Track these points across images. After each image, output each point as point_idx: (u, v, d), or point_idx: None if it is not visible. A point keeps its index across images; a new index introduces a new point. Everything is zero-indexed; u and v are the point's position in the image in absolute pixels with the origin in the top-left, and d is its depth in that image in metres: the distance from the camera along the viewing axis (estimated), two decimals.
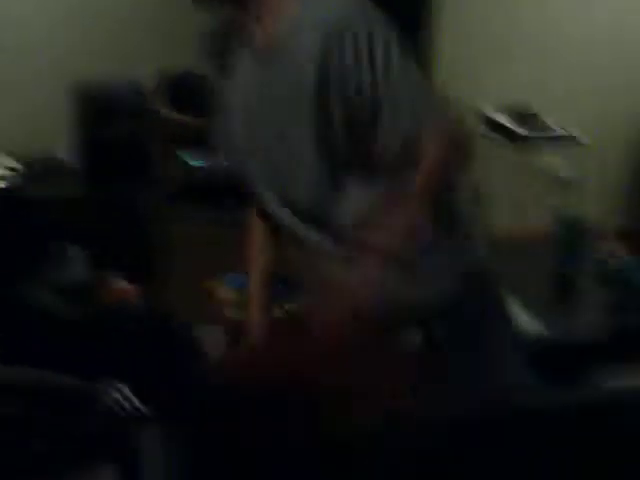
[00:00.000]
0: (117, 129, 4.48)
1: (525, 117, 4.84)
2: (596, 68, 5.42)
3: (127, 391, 2.60)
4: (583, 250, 3.43)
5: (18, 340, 2.83)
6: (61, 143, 4.60)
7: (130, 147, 4.44)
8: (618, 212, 5.63)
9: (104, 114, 4.47)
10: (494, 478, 1.73)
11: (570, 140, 4.81)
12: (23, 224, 3.64)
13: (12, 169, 4.45)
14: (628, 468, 1.73)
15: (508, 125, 4.78)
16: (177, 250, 4.04)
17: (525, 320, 3.08)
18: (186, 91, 4.47)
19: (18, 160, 4.47)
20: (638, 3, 5.45)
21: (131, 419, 2.53)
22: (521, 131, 4.71)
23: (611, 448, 1.72)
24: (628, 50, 5.59)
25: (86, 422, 2.48)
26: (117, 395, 2.57)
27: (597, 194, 5.38)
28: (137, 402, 2.59)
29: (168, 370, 2.84)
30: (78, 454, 2.45)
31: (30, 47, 4.61)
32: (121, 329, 3.02)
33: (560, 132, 4.81)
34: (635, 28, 5.60)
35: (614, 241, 4.28)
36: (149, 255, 4.02)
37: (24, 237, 3.48)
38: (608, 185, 5.60)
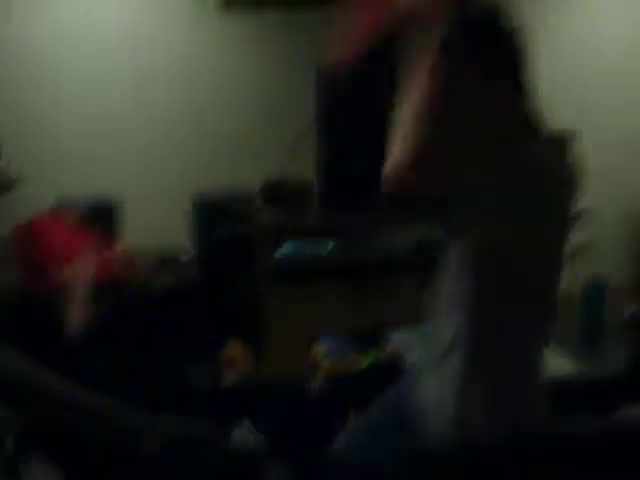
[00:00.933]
0: (228, 230, 4.56)
1: None
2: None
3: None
4: (605, 304, 3.54)
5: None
6: (184, 243, 4.71)
7: (238, 242, 4.53)
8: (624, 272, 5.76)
9: (217, 218, 4.61)
10: None
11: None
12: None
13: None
14: None
15: None
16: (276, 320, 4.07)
17: (564, 362, 3.15)
18: (282, 194, 4.62)
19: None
20: None
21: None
22: None
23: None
24: None
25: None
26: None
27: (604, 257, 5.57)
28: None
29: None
30: None
31: (159, 167, 4.90)
32: None
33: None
34: None
35: (625, 295, 4.45)
36: (257, 325, 4.06)
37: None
38: (612, 249, 5.79)
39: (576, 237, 5.06)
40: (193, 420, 2.49)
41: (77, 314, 3.30)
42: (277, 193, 4.69)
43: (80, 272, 3.44)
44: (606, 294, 3.61)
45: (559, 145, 1.84)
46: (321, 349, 3.30)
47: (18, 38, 4.62)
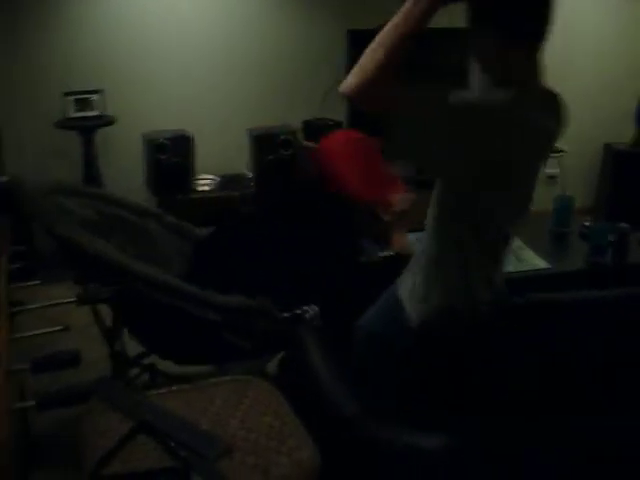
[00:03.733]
0: (276, 155, 4.56)
1: None
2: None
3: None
4: (570, 218, 3.60)
5: None
6: (243, 164, 4.76)
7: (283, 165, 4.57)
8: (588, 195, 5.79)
9: (268, 146, 4.57)
10: None
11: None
12: None
13: (212, 180, 4.73)
14: None
15: None
16: None
17: (536, 259, 3.17)
18: (318, 129, 4.61)
19: (217, 175, 4.74)
20: None
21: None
22: None
23: None
24: None
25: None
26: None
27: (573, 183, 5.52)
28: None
29: None
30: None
31: (224, 106, 4.87)
32: None
33: None
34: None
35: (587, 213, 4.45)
36: None
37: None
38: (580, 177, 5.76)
39: (552, 168, 5.23)
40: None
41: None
42: (314, 129, 4.66)
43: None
44: (571, 210, 3.61)
45: (548, 97, 1.76)
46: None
47: (122, 9, 4.60)
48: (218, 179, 4.74)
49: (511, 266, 2.97)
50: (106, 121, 4.51)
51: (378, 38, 1.52)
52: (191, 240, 2.95)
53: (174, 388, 2.05)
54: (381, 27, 1.56)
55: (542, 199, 5.32)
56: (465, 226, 1.74)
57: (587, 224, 3.54)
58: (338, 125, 4.75)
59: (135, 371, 2.89)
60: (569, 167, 5.46)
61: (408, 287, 1.88)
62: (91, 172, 4.48)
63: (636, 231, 3.33)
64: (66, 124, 4.44)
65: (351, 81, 1.51)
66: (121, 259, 2.36)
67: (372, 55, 1.50)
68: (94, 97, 4.47)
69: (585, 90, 5.58)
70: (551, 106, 1.74)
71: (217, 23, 4.75)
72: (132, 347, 2.78)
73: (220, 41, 4.73)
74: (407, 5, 1.51)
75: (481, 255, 1.78)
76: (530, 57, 1.67)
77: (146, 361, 2.86)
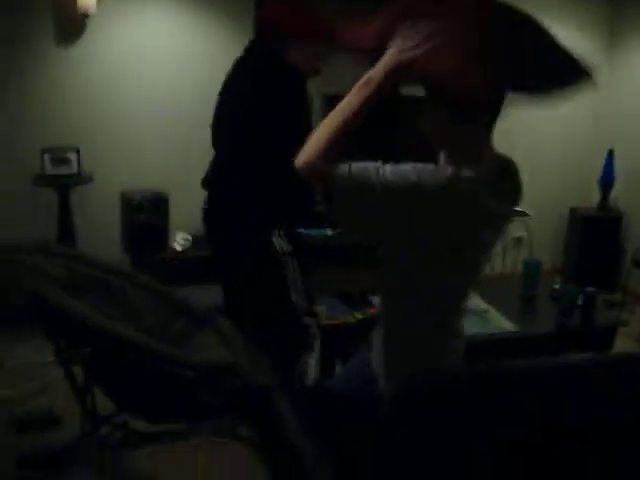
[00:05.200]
0: None
1: None
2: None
3: None
4: (538, 281, 3.60)
5: None
6: None
7: None
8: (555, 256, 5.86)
9: None
10: None
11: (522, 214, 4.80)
12: None
13: (187, 239, 4.71)
14: None
15: None
16: None
17: (502, 321, 3.17)
18: None
19: (191, 234, 4.70)
20: None
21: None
22: None
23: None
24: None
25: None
26: None
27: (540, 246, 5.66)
28: None
29: None
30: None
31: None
32: None
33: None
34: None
35: (555, 274, 4.52)
36: None
37: None
38: (547, 240, 5.86)
39: (518, 231, 5.31)
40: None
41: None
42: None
43: None
44: (539, 273, 3.66)
45: (504, 168, 1.77)
46: (321, 307, 3.30)
47: (93, 58, 4.66)
48: (191, 238, 4.73)
49: (478, 328, 3.01)
50: (83, 179, 4.52)
51: (326, 120, 1.61)
52: (165, 300, 2.93)
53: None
54: None
55: (510, 261, 5.52)
56: (412, 296, 1.77)
57: (556, 287, 3.59)
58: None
59: (107, 429, 2.84)
60: (536, 230, 5.55)
61: (375, 351, 1.90)
62: (66, 230, 4.47)
63: (603, 293, 3.38)
64: (43, 181, 4.43)
65: (300, 158, 1.60)
66: (95, 318, 2.34)
67: (319, 135, 1.60)
68: (71, 155, 4.48)
69: (551, 156, 5.72)
70: (500, 178, 1.73)
71: (196, 83, 4.80)
72: (105, 405, 2.74)
73: (197, 101, 4.76)
74: (352, 91, 1.59)
75: (436, 325, 1.80)
76: (479, 132, 1.69)
77: (118, 419, 2.82)
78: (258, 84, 2.75)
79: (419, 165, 1.61)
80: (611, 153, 5.38)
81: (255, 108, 2.76)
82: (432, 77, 1.59)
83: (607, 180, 5.43)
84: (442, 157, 1.75)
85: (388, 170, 1.58)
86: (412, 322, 1.79)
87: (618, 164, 5.40)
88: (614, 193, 5.49)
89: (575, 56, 1.56)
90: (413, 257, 1.70)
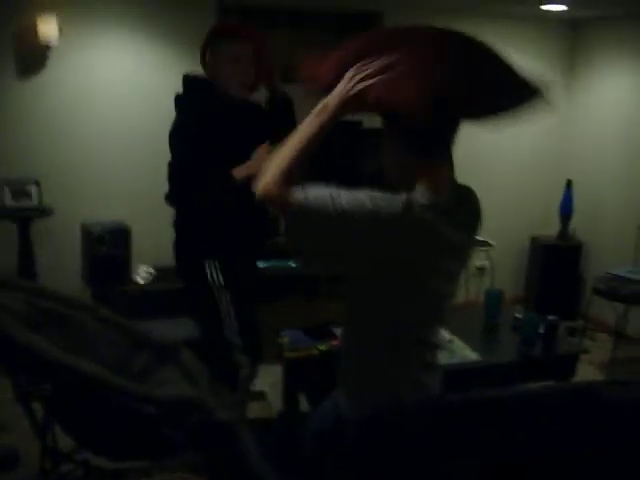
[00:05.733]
0: None
1: None
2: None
3: None
4: (500, 310, 3.67)
5: None
6: None
7: None
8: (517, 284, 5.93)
9: None
10: None
11: (484, 243, 4.96)
12: None
13: (148, 272, 4.65)
14: None
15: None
16: None
17: (467, 351, 3.23)
18: None
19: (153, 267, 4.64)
20: None
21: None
22: None
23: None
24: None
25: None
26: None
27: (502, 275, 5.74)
28: None
29: None
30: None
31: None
32: None
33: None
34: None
35: (517, 303, 4.57)
36: None
37: None
38: (509, 269, 5.91)
39: (480, 260, 5.37)
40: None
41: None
42: None
43: None
44: (501, 302, 3.70)
45: (463, 197, 1.79)
46: (285, 339, 3.31)
47: (55, 89, 4.63)
48: (153, 271, 4.67)
49: (443, 359, 2.96)
50: (43, 211, 4.47)
51: (283, 147, 1.64)
52: (127, 334, 2.90)
53: None
54: None
55: (472, 290, 5.57)
56: (374, 327, 1.77)
57: (518, 316, 3.63)
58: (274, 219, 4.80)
59: (68, 467, 2.79)
60: (498, 259, 5.62)
61: (341, 388, 1.89)
62: (26, 263, 4.41)
63: (564, 321, 3.43)
64: (2, 213, 4.38)
65: (258, 183, 1.63)
66: (55, 353, 2.29)
67: (275, 164, 1.63)
68: (31, 187, 4.43)
69: (511, 185, 5.81)
70: (460, 207, 1.74)
71: (157, 114, 4.73)
72: (65, 442, 2.70)
73: (159, 132, 4.67)
74: (307, 119, 1.63)
75: (400, 355, 1.79)
76: (437, 163, 1.71)
77: (79, 457, 2.77)
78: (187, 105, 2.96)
79: (374, 192, 1.62)
80: (569, 183, 5.47)
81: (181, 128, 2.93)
82: (385, 106, 1.62)
83: (566, 210, 5.51)
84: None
85: (344, 197, 1.58)
86: (375, 353, 1.78)
87: (577, 194, 5.49)
88: (573, 222, 5.57)
89: (527, 75, 1.59)
90: (372, 286, 1.69)
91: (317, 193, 1.60)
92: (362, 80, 1.58)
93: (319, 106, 1.63)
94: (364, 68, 1.58)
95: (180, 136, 2.92)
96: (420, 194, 1.63)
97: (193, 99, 2.96)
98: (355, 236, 1.60)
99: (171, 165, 2.97)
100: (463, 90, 1.57)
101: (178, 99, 3.01)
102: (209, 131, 2.84)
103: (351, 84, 1.59)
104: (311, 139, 1.62)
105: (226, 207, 2.91)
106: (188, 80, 3.02)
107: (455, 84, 1.55)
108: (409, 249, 1.63)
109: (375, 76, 1.56)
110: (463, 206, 1.76)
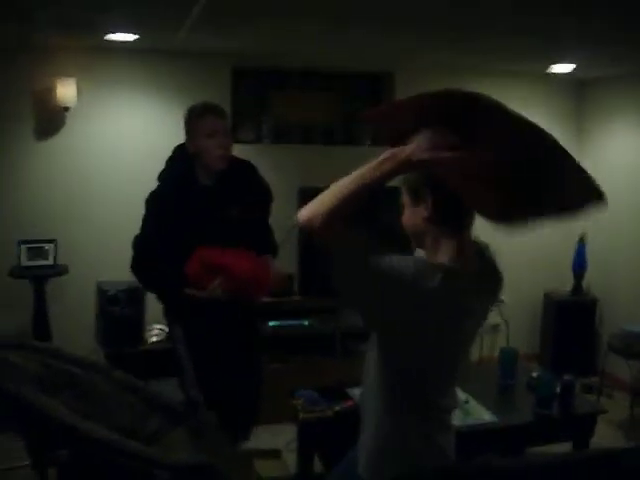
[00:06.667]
0: None
1: None
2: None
3: None
4: (515, 369, 3.61)
5: None
6: None
7: None
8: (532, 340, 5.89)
9: None
10: None
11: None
12: None
13: (162, 330, 4.62)
14: None
15: None
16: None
17: (482, 412, 3.17)
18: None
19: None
20: None
21: None
22: None
23: None
24: None
25: None
26: None
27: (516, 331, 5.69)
28: None
29: None
30: None
31: None
32: None
33: None
34: None
35: (532, 361, 4.51)
36: None
37: None
38: (523, 325, 5.87)
39: (494, 317, 5.34)
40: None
41: None
42: None
43: None
44: (516, 361, 3.66)
45: (485, 260, 1.81)
46: (299, 400, 3.27)
47: (71, 150, 4.72)
48: (167, 330, 4.64)
49: (459, 420, 2.97)
50: (58, 270, 4.51)
51: (340, 182, 1.60)
52: (139, 396, 2.90)
53: None
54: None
55: (486, 347, 5.53)
56: (394, 388, 1.77)
57: (534, 375, 3.59)
58: (289, 277, 4.83)
59: None
60: (512, 316, 5.56)
61: (362, 449, 1.87)
62: (41, 322, 4.43)
63: (580, 379, 3.39)
64: (19, 273, 4.42)
65: (304, 213, 1.59)
66: (71, 418, 2.30)
67: (329, 197, 1.58)
68: (47, 246, 4.49)
69: (524, 241, 5.78)
70: (483, 274, 1.77)
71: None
72: None
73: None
74: (372, 162, 1.57)
75: (419, 418, 1.79)
76: (460, 232, 1.73)
77: None
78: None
79: (414, 259, 1.64)
80: (582, 239, 5.48)
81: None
82: (445, 182, 1.61)
83: (579, 265, 5.51)
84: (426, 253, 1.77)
85: (384, 258, 1.60)
86: (393, 414, 1.78)
87: (591, 250, 5.49)
88: (587, 278, 5.56)
89: (590, 177, 1.59)
90: (395, 347, 1.71)
91: (361, 244, 1.61)
92: (439, 148, 1.53)
93: (386, 154, 1.57)
94: (445, 137, 1.54)
95: (147, 207, 3.18)
96: (450, 264, 1.65)
97: (169, 173, 3.22)
98: (386, 297, 1.60)
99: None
100: (534, 189, 1.57)
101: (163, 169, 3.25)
102: (171, 210, 3.07)
103: (429, 147, 1.54)
104: (371, 183, 1.57)
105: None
106: (173, 152, 3.29)
107: (529, 183, 1.55)
108: (436, 315, 1.65)
109: (453, 150, 1.52)
110: (485, 271, 1.79)
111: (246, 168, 3.26)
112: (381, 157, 1.57)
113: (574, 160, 1.56)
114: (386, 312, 1.63)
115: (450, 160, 1.51)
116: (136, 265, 3.20)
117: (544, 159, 1.51)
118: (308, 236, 1.61)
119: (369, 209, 1.70)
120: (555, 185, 1.57)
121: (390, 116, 1.68)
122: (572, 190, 1.61)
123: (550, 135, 1.48)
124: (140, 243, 3.18)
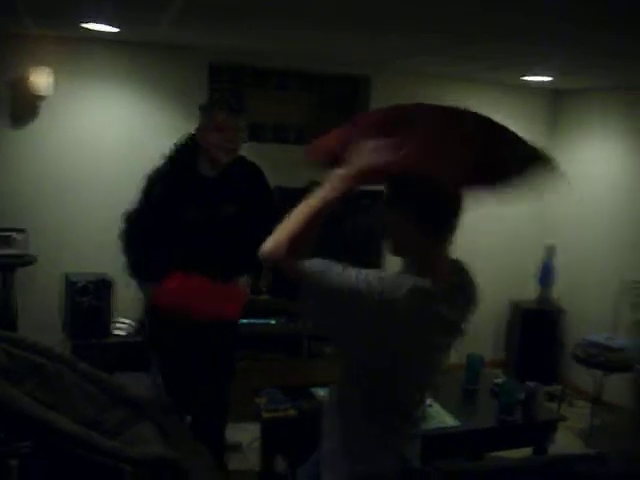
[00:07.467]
0: None
1: None
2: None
3: None
4: (480, 375, 3.66)
5: None
6: None
7: None
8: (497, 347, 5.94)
9: None
10: None
11: None
12: None
13: (128, 324, 4.64)
14: None
15: None
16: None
17: (445, 416, 3.20)
18: None
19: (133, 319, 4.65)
20: None
21: None
22: None
23: None
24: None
25: None
26: None
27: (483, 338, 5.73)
28: None
29: None
30: None
31: None
32: None
33: None
34: None
35: (496, 367, 4.55)
36: None
37: None
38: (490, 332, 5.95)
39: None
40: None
41: None
42: None
43: None
44: (481, 367, 3.70)
45: (461, 277, 1.83)
46: (263, 398, 3.27)
47: (44, 140, 4.68)
48: (134, 324, 4.66)
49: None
50: (27, 260, 4.46)
51: (299, 208, 1.63)
52: (104, 389, 2.89)
53: None
54: (309, 186, 1.69)
55: (453, 352, 5.53)
56: (359, 397, 1.78)
57: (497, 381, 3.63)
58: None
59: None
60: (478, 323, 5.55)
61: (323, 453, 1.89)
62: (7, 312, 4.38)
63: (543, 386, 3.43)
64: None
65: (267, 245, 1.62)
66: (35, 409, 2.29)
67: (290, 223, 1.61)
68: (16, 235, 4.44)
69: (492, 249, 5.85)
70: (458, 290, 1.79)
71: (146, 166, 4.77)
72: None
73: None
74: (322, 189, 1.62)
75: (382, 427, 1.81)
76: (436, 240, 1.74)
77: None
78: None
79: (381, 273, 1.65)
80: (550, 249, 5.55)
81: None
82: (411, 173, 1.64)
83: (545, 275, 5.59)
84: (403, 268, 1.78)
85: (348, 274, 1.61)
86: (357, 423, 1.80)
87: (560, 260, 5.57)
88: (555, 287, 5.63)
89: (535, 144, 1.66)
90: (363, 359, 1.72)
91: (323, 267, 1.63)
92: (380, 154, 1.58)
93: (337, 175, 1.62)
94: (383, 142, 1.59)
95: (146, 182, 3.23)
96: (422, 279, 1.66)
97: (173, 155, 3.21)
98: (354, 313, 1.62)
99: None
100: (480, 159, 1.61)
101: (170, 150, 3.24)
102: (165, 192, 3.13)
103: (370, 157, 1.59)
104: (323, 209, 1.61)
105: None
106: (183, 139, 3.23)
107: (472, 154, 1.60)
108: (406, 329, 1.66)
109: (392, 151, 1.57)
110: (461, 288, 1.81)
111: (251, 168, 3.31)
112: (333, 179, 1.62)
113: (506, 129, 1.64)
114: (353, 328, 1.65)
115: (399, 156, 1.56)
116: (126, 238, 3.28)
117: (475, 130, 1.61)
118: (273, 267, 1.65)
119: (336, 219, 1.71)
120: (499, 154, 1.64)
121: (327, 147, 1.75)
122: (516, 156, 1.67)
123: (472, 111, 1.60)
124: (133, 215, 3.25)
